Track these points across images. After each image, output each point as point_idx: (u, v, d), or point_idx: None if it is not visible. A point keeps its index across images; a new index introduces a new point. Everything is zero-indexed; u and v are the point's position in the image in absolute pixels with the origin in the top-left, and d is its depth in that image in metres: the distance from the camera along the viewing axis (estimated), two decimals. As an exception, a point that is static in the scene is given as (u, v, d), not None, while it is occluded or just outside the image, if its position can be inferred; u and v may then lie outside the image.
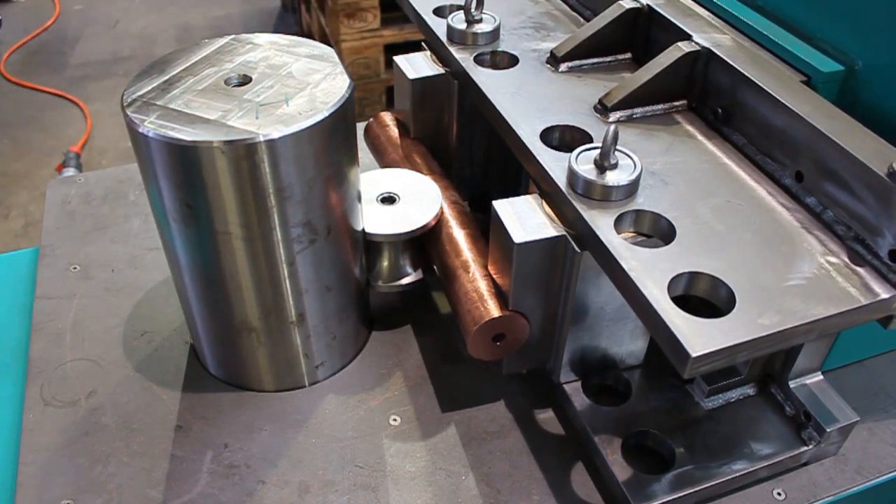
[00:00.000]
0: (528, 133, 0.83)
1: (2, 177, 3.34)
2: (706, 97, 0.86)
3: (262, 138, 0.72)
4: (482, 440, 0.89)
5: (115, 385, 0.95)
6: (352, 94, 0.80)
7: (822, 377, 0.88)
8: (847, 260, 0.67)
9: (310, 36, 3.60)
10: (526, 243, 0.77)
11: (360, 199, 0.90)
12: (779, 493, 0.84)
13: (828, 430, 0.83)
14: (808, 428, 0.85)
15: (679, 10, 0.92)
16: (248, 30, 4.16)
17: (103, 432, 0.89)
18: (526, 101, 0.89)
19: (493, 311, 0.83)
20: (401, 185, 1.00)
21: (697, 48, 0.84)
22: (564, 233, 0.77)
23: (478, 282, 0.87)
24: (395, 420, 0.91)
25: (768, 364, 0.89)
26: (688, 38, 0.86)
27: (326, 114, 0.76)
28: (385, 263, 0.99)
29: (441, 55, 1.06)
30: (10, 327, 1.06)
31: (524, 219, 0.79)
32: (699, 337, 0.58)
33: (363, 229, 0.93)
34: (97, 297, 1.07)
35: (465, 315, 0.86)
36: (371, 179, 1.00)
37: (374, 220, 0.94)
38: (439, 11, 1.10)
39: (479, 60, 0.98)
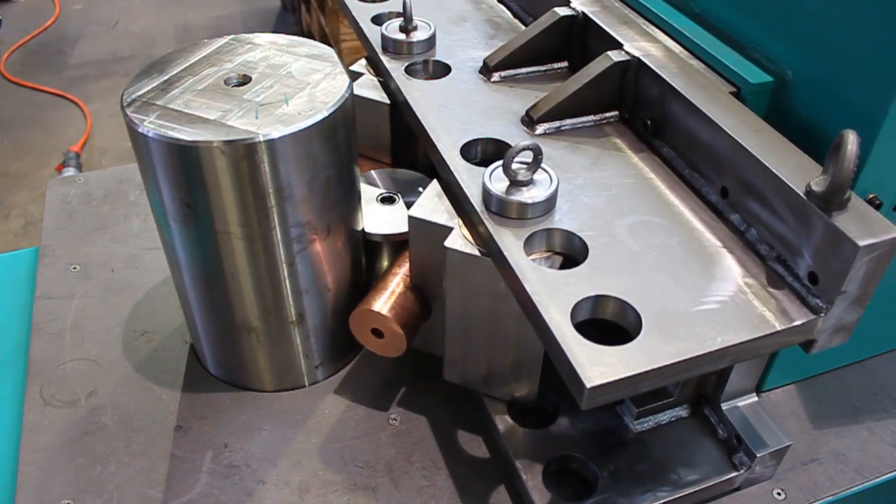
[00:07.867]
0: (448, 147, 0.79)
1: (2, 177, 3.34)
2: (637, 108, 0.82)
3: (261, 138, 0.72)
4: (482, 440, 0.89)
5: (115, 385, 0.95)
6: (352, 93, 0.80)
7: (756, 399, 0.84)
8: (766, 282, 0.63)
9: (310, 36, 3.60)
10: (415, 218, 0.77)
11: (360, 199, 0.90)
12: (779, 493, 0.84)
13: (758, 455, 0.80)
14: (738, 452, 0.82)
15: (615, 17, 0.87)
16: (248, 30, 4.17)
17: (103, 432, 0.89)
18: (452, 112, 0.85)
19: (374, 304, 0.83)
20: (401, 185, 1.00)
21: (627, 58, 0.80)
22: (454, 225, 0.75)
23: (395, 277, 0.86)
24: (394, 420, 0.91)
25: (701, 385, 0.85)
26: (619, 46, 0.82)
27: (326, 114, 0.76)
28: (385, 263, 0.99)
29: (375, 66, 1.00)
30: (10, 327, 1.06)
31: (435, 199, 0.78)
32: (597, 366, 0.55)
33: (363, 229, 0.93)
34: (97, 297, 1.07)
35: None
36: (371, 179, 1.00)
37: (373, 220, 0.94)
38: (377, 19, 1.05)
39: (410, 71, 0.94)
